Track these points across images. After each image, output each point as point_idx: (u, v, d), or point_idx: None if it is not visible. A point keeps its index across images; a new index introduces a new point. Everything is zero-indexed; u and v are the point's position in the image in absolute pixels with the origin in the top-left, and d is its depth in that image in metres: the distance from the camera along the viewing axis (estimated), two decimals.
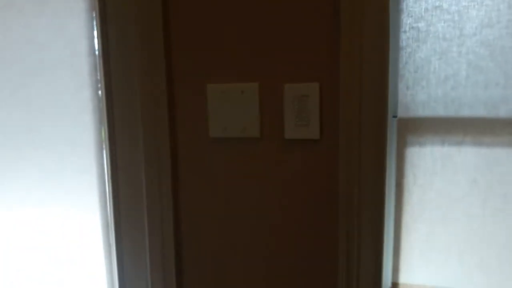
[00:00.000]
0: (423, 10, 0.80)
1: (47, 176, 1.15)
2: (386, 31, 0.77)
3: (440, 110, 0.82)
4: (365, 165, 0.85)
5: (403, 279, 0.90)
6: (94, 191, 1.10)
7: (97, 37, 1.02)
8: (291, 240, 0.97)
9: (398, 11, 0.83)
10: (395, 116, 0.88)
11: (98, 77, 1.04)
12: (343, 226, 0.88)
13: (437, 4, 0.79)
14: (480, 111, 0.79)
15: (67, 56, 1.04)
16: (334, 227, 0.92)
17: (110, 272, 1.18)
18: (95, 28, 1.03)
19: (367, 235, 0.86)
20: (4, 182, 1.24)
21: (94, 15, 1.02)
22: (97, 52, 1.03)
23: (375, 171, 0.84)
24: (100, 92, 1.04)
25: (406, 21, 0.82)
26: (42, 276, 1.27)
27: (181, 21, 0.97)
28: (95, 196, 1.11)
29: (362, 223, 0.86)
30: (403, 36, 0.83)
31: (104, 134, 1.07)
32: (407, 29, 0.82)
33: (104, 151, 1.07)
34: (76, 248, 1.18)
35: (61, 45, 1.03)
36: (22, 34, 1.06)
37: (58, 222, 1.18)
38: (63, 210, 1.18)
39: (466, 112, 0.80)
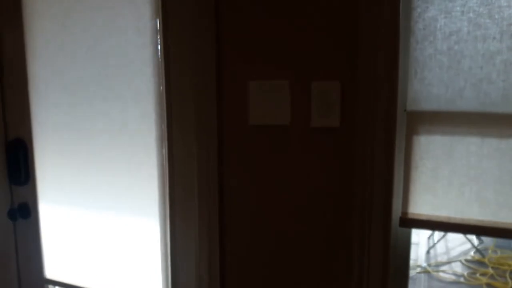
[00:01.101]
0: None
1: (112, 122, 1.38)
2: (396, 52, 0.95)
3: (444, 62, 0.96)
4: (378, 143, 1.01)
5: (411, 209, 1.06)
6: (152, 134, 1.32)
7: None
8: (311, 196, 1.14)
9: None
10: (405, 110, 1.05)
11: (158, 38, 1.25)
12: (358, 183, 1.05)
13: None
14: (478, 62, 0.93)
15: (134, 19, 1.26)
16: (349, 193, 1.09)
17: (164, 230, 1.40)
18: None
19: (379, 176, 1.02)
20: (77, 128, 1.49)
21: None
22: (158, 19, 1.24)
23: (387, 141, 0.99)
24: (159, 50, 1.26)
25: None
26: (106, 237, 1.52)
27: (230, 31, 1.18)
28: (153, 146, 1.33)
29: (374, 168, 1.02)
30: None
31: (162, 88, 1.28)
32: None
33: (164, 103, 1.28)
34: (136, 203, 1.41)
35: (129, 10, 1.25)
36: (96, 1, 1.29)
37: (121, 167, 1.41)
38: (127, 157, 1.41)
39: (467, 63, 0.94)
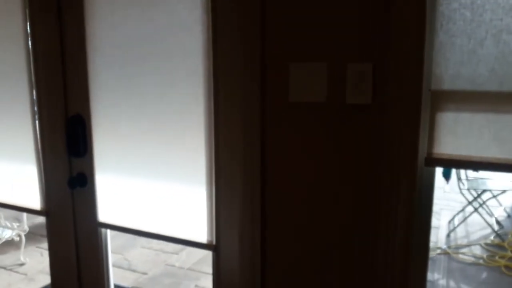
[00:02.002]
0: None
1: (162, 80, 1.57)
2: (423, 37, 1.13)
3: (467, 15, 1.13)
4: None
5: (435, 150, 1.21)
6: (200, 90, 1.51)
7: None
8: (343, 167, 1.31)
9: None
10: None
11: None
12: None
13: None
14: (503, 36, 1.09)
15: None
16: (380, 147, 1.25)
17: (210, 197, 1.57)
18: None
19: (406, 124, 1.18)
20: (130, 104, 1.67)
21: None
22: None
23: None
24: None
25: None
26: (157, 200, 1.70)
27: (274, 14, 1.35)
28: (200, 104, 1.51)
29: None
30: None
31: (210, 65, 1.46)
32: None
33: (211, 56, 1.46)
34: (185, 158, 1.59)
35: None
36: None
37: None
38: (178, 132, 1.59)
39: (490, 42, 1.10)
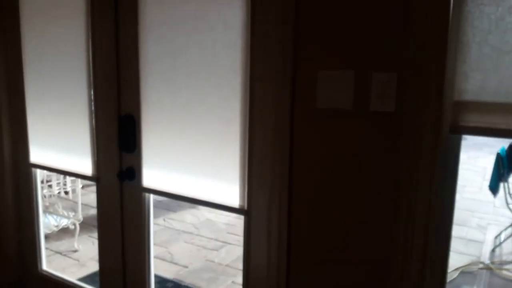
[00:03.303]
0: None
1: (203, 83, 1.72)
2: (445, 43, 1.19)
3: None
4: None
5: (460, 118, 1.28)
6: (237, 92, 1.64)
7: None
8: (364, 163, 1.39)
9: None
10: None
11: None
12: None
13: None
14: None
15: None
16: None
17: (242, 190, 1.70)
18: None
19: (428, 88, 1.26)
20: (174, 108, 1.83)
21: None
22: None
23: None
24: None
25: None
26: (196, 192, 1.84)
27: (306, 25, 1.45)
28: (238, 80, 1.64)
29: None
30: None
31: (247, 45, 1.59)
32: None
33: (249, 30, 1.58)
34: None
35: None
36: None
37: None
38: (215, 134, 1.73)
39: None
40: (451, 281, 3.47)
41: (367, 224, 1.42)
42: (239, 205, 1.72)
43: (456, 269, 3.63)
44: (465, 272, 3.61)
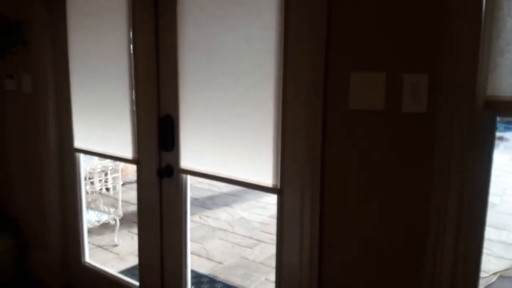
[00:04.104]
0: None
1: (237, 83, 1.79)
2: (478, 45, 1.20)
3: None
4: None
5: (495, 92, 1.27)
6: (271, 94, 1.69)
7: None
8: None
9: None
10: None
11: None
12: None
13: None
14: None
15: None
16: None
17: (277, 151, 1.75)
18: None
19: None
20: (209, 109, 1.90)
21: None
22: None
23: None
24: None
25: None
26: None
27: (338, 28, 1.48)
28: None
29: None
30: None
31: (280, 44, 1.64)
32: None
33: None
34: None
35: None
36: None
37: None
38: (250, 135, 1.78)
39: None
40: (489, 285, 3.39)
41: (397, 224, 1.44)
42: (272, 184, 1.76)
43: (495, 273, 3.54)
44: (504, 277, 3.52)
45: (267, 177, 1.77)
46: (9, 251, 2.78)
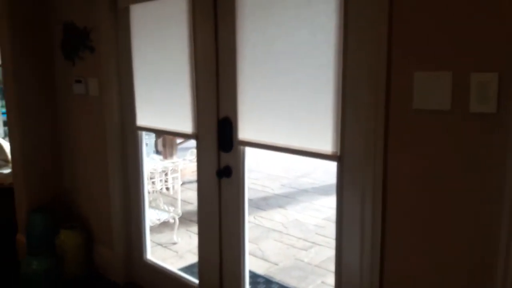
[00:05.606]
0: None
1: (295, 85, 1.79)
2: None
3: None
4: None
5: None
6: (330, 96, 1.68)
7: None
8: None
9: None
10: None
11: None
12: None
13: None
14: None
15: None
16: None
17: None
18: None
19: None
20: (265, 112, 1.92)
21: None
22: None
23: None
24: None
25: None
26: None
27: (400, 29, 1.46)
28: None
29: None
30: None
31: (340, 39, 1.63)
32: None
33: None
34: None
35: None
36: None
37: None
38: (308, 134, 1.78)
39: None
40: None
41: (464, 225, 1.39)
42: (332, 152, 1.73)
43: None
44: None
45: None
46: (81, 246, 2.95)
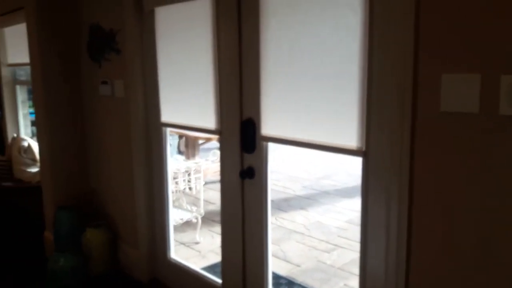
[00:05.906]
0: None
1: (320, 87, 1.78)
2: None
3: None
4: None
5: None
6: (355, 95, 1.67)
7: None
8: None
9: None
10: None
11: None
12: None
13: None
14: None
15: None
16: None
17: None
18: None
19: None
20: (290, 112, 1.91)
21: None
22: None
23: None
24: None
25: None
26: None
27: (426, 33, 1.43)
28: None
29: None
30: None
31: (365, 40, 1.62)
32: None
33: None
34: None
35: None
36: None
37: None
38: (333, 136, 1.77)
39: None
40: None
41: (494, 230, 1.36)
42: (357, 147, 1.71)
43: None
44: None
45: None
46: (106, 244, 3.00)
